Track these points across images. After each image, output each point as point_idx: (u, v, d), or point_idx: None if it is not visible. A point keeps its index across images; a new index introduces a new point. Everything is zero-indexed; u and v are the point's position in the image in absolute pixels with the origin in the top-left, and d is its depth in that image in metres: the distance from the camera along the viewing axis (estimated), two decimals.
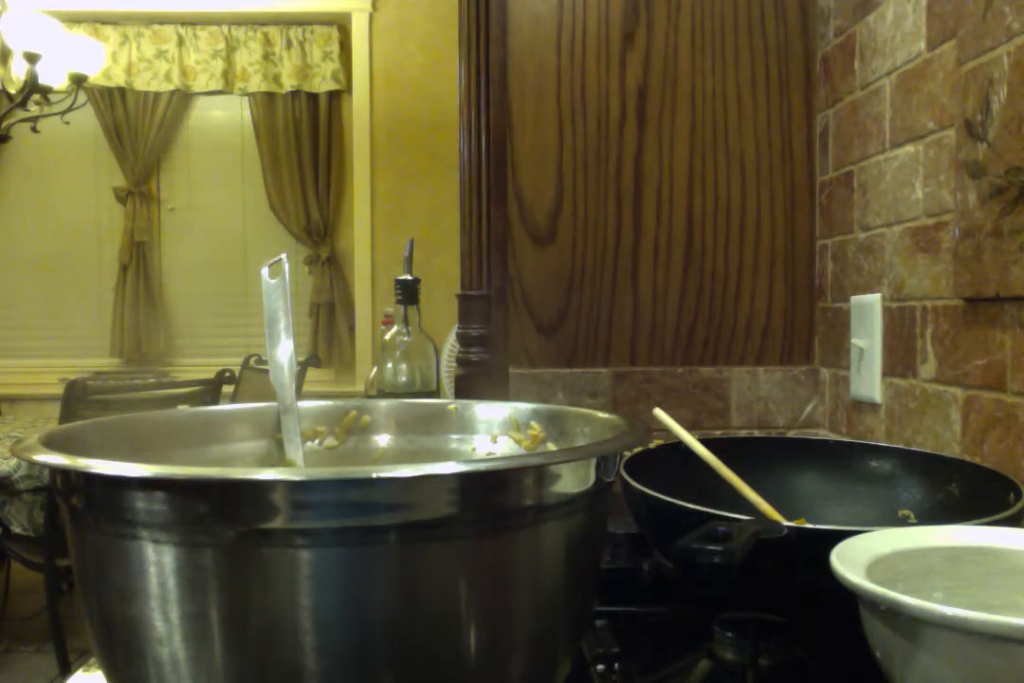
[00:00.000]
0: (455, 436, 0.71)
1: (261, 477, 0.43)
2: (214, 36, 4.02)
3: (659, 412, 0.92)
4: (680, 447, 0.87)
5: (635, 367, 1.31)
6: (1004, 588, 0.53)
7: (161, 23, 3.99)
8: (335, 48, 4.02)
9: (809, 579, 0.55)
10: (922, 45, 1.02)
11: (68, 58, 3.01)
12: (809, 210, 1.31)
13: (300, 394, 0.69)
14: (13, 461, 2.32)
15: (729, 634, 0.63)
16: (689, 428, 0.88)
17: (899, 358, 1.08)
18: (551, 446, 0.66)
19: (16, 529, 2.36)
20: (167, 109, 4.05)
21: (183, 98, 4.09)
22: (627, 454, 0.81)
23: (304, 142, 4.06)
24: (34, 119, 3.10)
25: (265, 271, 0.66)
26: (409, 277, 1.24)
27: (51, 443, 0.50)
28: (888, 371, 1.11)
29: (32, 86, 2.83)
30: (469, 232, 1.33)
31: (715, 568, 0.51)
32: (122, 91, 4.03)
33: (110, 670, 0.49)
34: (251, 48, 4.02)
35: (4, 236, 4.08)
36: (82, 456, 0.48)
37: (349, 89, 4.02)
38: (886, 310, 1.11)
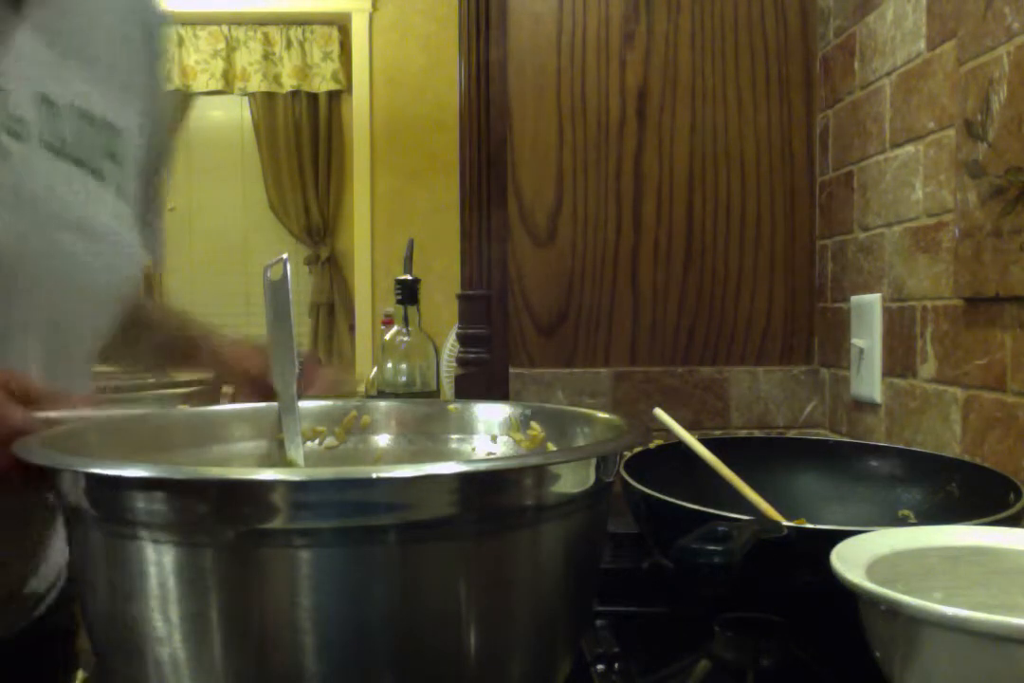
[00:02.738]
0: (455, 436, 0.70)
1: (261, 477, 0.43)
2: (214, 36, 4.02)
3: (659, 412, 0.92)
4: (680, 447, 0.87)
5: (635, 367, 1.31)
6: (1004, 588, 0.53)
7: None
8: (335, 48, 4.02)
9: (809, 579, 0.55)
10: (922, 45, 1.02)
11: None
12: (809, 210, 1.31)
13: (300, 394, 0.69)
14: None
15: (729, 634, 0.63)
16: (689, 428, 0.88)
17: (899, 358, 1.08)
18: (551, 446, 0.66)
19: None
20: None
21: (183, 98, 4.09)
22: (627, 454, 0.81)
23: (304, 142, 4.06)
24: None
25: (267, 271, 0.66)
26: (409, 277, 1.24)
27: (51, 443, 0.50)
28: (888, 371, 1.11)
29: None
30: (469, 232, 1.33)
31: (715, 568, 0.51)
32: None
33: (110, 670, 0.49)
34: (251, 48, 4.02)
35: None
36: (82, 456, 0.48)
37: (349, 89, 4.02)
38: (886, 310, 1.11)
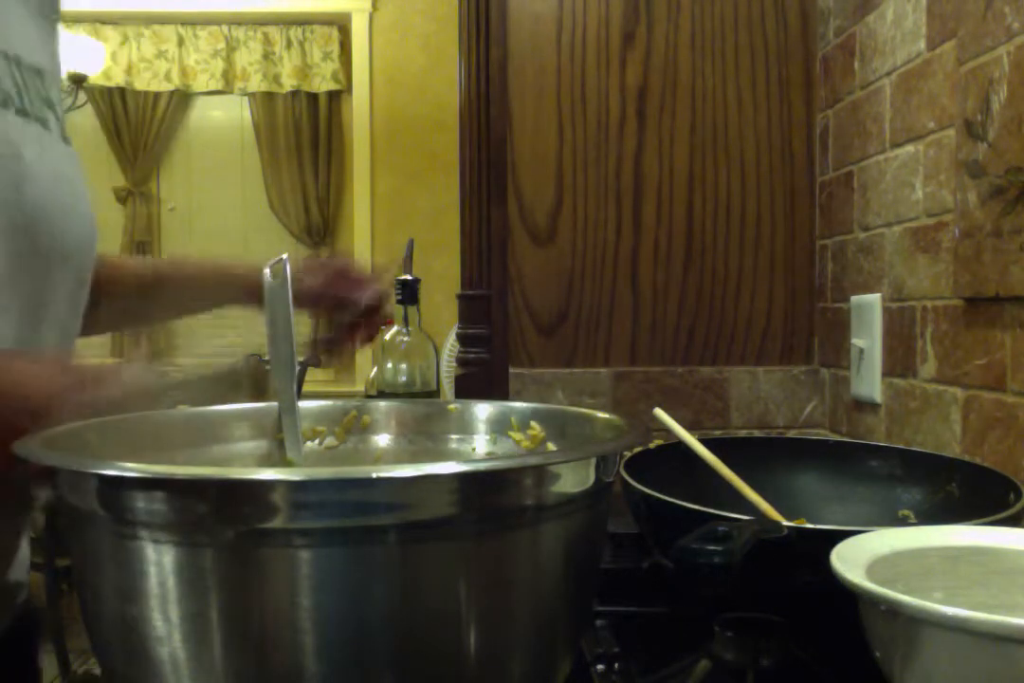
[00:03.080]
0: (455, 436, 0.70)
1: (261, 477, 0.43)
2: (214, 36, 4.02)
3: (659, 412, 0.92)
4: (680, 447, 0.87)
5: (635, 367, 1.30)
6: (1004, 588, 0.53)
7: (161, 23, 3.99)
8: (335, 48, 4.02)
9: (809, 579, 0.55)
10: (922, 45, 1.02)
11: (68, 58, 3.01)
12: (809, 210, 1.31)
13: (300, 394, 0.69)
14: None
15: (729, 634, 0.63)
16: (689, 428, 0.88)
17: (899, 358, 1.08)
18: (551, 446, 0.66)
19: None
20: (167, 109, 4.05)
21: (183, 98, 4.09)
22: (627, 454, 0.81)
23: (304, 142, 4.06)
24: None
25: (267, 271, 0.66)
26: (409, 277, 1.24)
27: (51, 443, 0.50)
28: (888, 371, 1.11)
29: None
30: (469, 232, 1.33)
31: (715, 568, 0.51)
32: (122, 91, 4.03)
33: (110, 670, 0.49)
34: (251, 48, 4.02)
35: None
36: (82, 456, 0.48)
37: (349, 89, 4.02)
38: (886, 310, 1.11)
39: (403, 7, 3.89)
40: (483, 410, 0.71)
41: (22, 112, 0.66)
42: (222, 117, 4.17)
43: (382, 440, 0.71)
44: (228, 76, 4.04)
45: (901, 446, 0.98)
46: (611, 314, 1.30)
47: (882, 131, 1.11)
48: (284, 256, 0.66)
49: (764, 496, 0.80)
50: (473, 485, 0.44)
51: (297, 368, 0.66)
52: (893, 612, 0.45)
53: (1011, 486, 0.71)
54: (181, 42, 4.01)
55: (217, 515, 0.42)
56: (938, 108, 0.98)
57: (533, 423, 0.67)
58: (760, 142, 1.30)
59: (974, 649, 0.43)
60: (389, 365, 1.24)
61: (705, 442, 0.86)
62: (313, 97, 4.06)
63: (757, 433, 1.30)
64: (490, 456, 0.68)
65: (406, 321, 1.23)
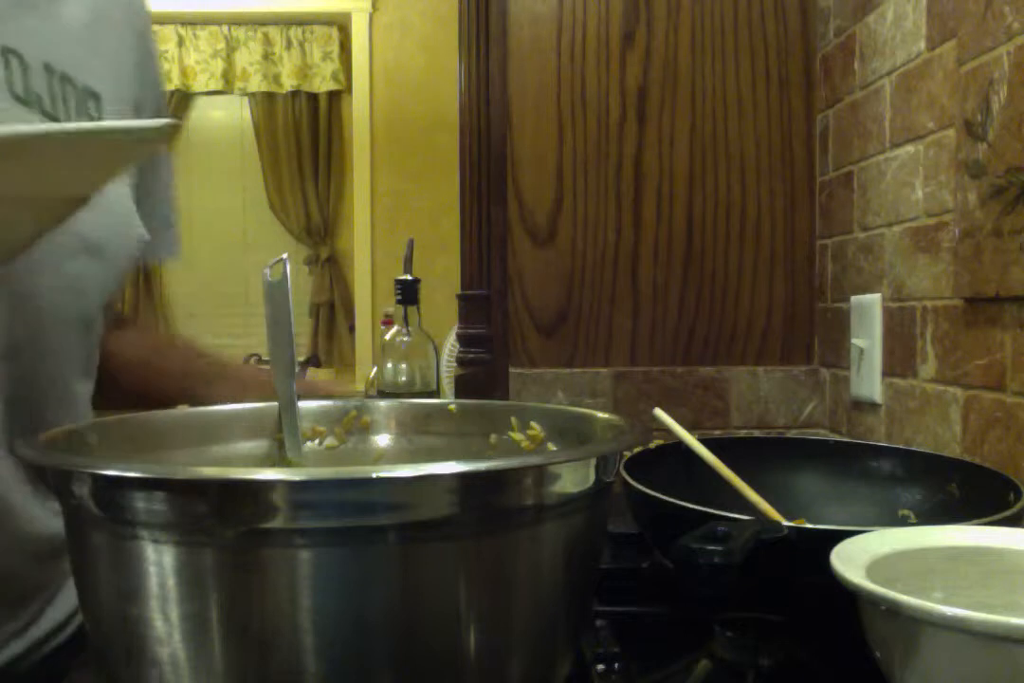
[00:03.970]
0: (455, 436, 0.70)
1: (261, 477, 0.43)
2: (214, 36, 4.02)
3: (659, 412, 0.92)
4: (680, 447, 0.87)
5: (635, 367, 1.31)
6: (1004, 588, 0.53)
7: (161, 23, 3.99)
8: (335, 48, 4.02)
9: (809, 579, 0.55)
10: (922, 45, 1.02)
11: None
12: (809, 210, 1.31)
13: (300, 394, 0.69)
14: None
15: (729, 634, 0.63)
16: (689, 428, 0.88)
17: (899, 358, 1.08)
18: (551, 446, 0.66)
19: None
20: (167, 109, 4.04)
21: (183, 98, 4.09)
22: (627, 454, 0.81)
23: (304, 142, 4.06)
24: None
25: (267, 271, 0.66)
26: (409, 277, 1.24)
27: (51, 443, 0.50)
28: (888, 371, 1.11)
29: None
30: (469, 232, 1.33)
31: (715, 568, 0.51)
32: None
33: (110, 670, 0.49)
34: (251, 48, 4.02)
35: None
36: (82, 456, 0.48)
37: (349, 89, 4.02)
38: (886, 310, 1.11)
39: (403, 7, 3.89)
40: (483, 410, 0.71)
41: (49, 115, 0.66)
42: (222, 117, 4.17)
43: (382, 440, 0.71)
44: (228, 76, 4.04)
45: (901, 446, 0.98)
46: (611, 314, 1.30)
47: (882, 131, 1.11)
48: (284, 256, 0.66)
49: (764, 496, 0.80)
50: (473, 485, 0.44)
51: (297, 368, 0.66)
52: (893, 612, 0.45)
53: (1011, 486, 0.71)
54: (181, 42, 4.01)
55: (217, 515, 0.42)
56: (938, 108, 0.98)
57: (533, 423, 0.67)
58: (760, 142, 1.30)
59: (974, 649, 0.43)
60: (389, 365, 1.24)
61: (705, 442, 0.86)
62: (313, 97, 4.06)
63: (757, 433, 1.30)
64: (490, 456, 0.68)
65: (406, 321, 1.23)
